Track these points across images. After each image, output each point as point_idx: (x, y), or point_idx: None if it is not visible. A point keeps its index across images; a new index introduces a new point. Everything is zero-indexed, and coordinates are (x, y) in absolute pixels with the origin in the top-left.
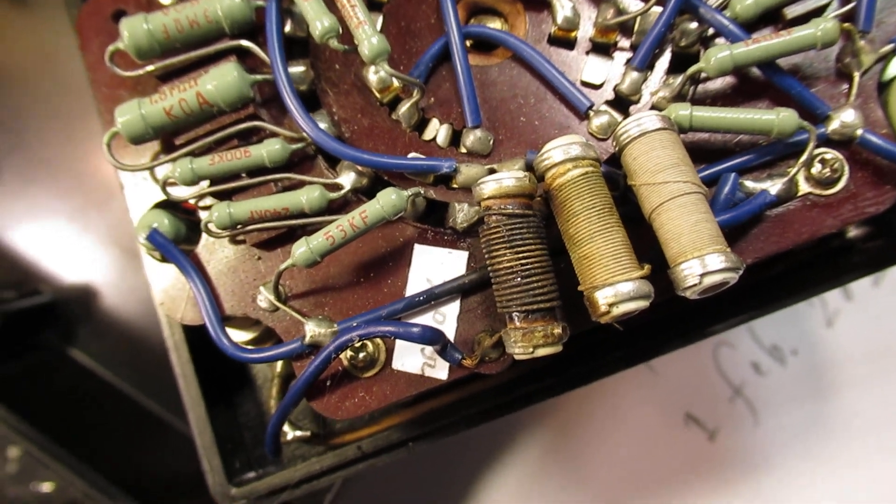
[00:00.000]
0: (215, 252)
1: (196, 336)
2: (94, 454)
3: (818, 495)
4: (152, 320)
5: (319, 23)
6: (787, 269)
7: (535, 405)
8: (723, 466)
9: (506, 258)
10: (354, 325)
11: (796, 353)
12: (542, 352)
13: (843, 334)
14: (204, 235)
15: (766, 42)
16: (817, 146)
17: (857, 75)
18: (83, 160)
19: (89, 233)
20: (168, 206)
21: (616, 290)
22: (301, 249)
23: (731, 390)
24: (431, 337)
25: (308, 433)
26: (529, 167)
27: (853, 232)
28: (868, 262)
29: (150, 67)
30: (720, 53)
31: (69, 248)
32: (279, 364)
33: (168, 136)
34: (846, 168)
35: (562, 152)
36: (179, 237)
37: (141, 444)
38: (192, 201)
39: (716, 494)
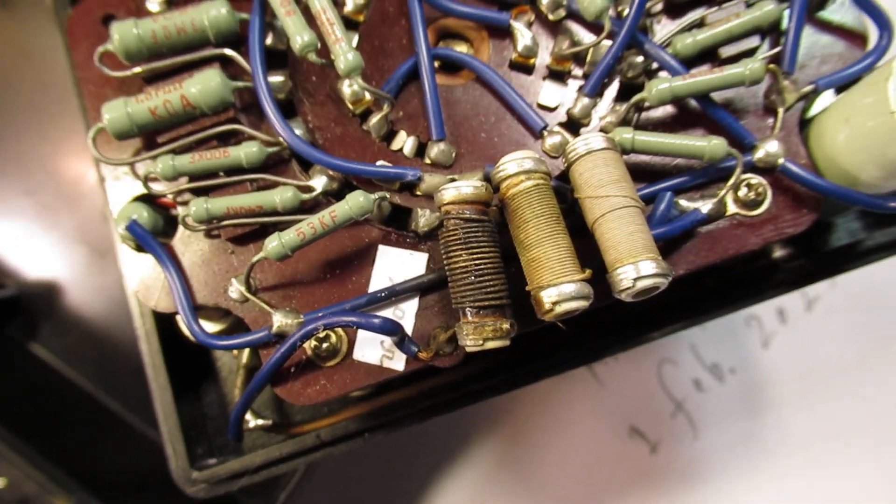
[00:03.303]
0: (190, 245)
1: (165, 328)
2: (54, 449)
3: None
4: (116, 318)
5: (300, 37)
6: (718, 284)
7: (487, 411)
8: (663, 478)
9: (462, 258)
10: (320, 315)
11: (734, 372)
12: (491, 344)
13: (777, 355)
14: (180, 229)
15: (701, 77)
16: (744, 172)
17: (781, 111)
18: (56, 158)
19: (57, 230)
20: (146, 199)
21: (559, 290)
22: (273, 243)
23: (673, 405)
24: (391, 328)
25: (269, 422)
26: (487, 179)
27: (778, 253)
28: (789, 280)
29: (138, 69)
30: (660, 85)
31: (36, 244)
32: (245, 356)
33: (150, 134)
34: (769, 193)
35: (516, 165)
36: (157, 229)
37: (100, 441)
38: (171, 196)
39: None
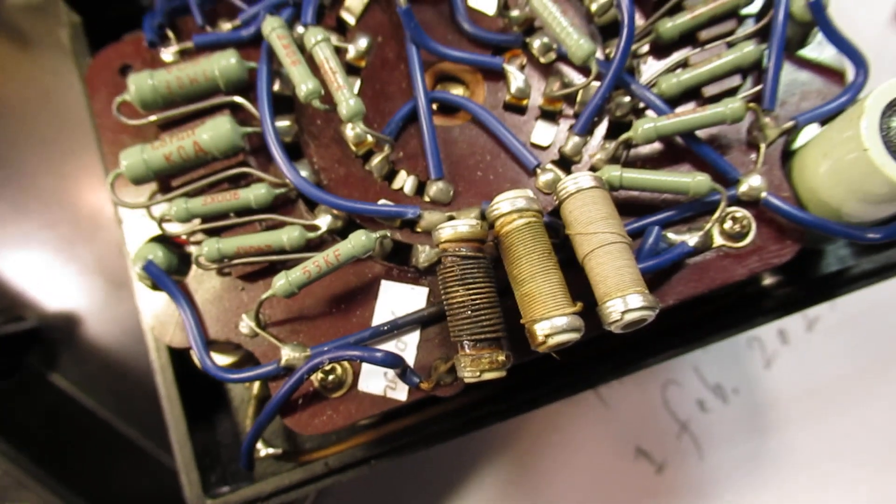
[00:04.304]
0: (203, 283)
1: (179, 361)
2: (72, 475)
3: None
4: (133, 348)
5: (304, 85)
6: (710, 312)
7: (495, 435)
8: (669, 498)
9: (458, 293)
10: (325, 349)
11: (738, 392)
12: (487, 376)
13: (779, 375)
14: (193, 267)
15: (684, 116)
16: (729, 205)
17: (763, 146)
18: (73, 193)
19: (76, 262)
20: (162, 240)
21: (552, 323)
22: (281, 282)
23: (678, 426)
24: (392, 361)
25: (280, 451)
26: (484, 216)
27: (768, 280)
28: (777, 307)
29: (153, 118)
30: (646, 125)
31: (55, 276)
32: (256, 387)
33: (165, 178)
34: (753, 225)
35: (509, 204)
36: (171, 269)
37: (117, 468)
38: (184, 237)
39: None
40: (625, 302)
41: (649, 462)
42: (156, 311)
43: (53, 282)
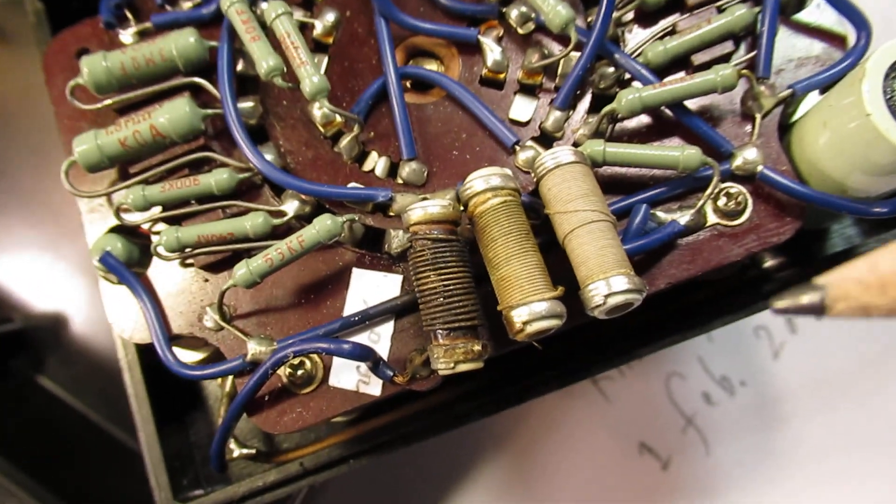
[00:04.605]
0: (165, 274)
1: (152, 358)
2: (61, 481)
3: None
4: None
5: (265, 62)
6: (709, 297)
7: (492, 433)
8: (676, 494)
9: (430, 279)
10: (291, 342)
11: (745, 384)
12: (463, 367)
13: (788, 366)
14: (155, 259)
15: (671, 86)
16: (723, 181)
17: (758, 117)
18: (56, 192)
19: (61, 262)
20: (123, 230)
21: (530, 309)
22: (241, 271)
23: (683, 420)
24: (361, 353)
25: (253, 450)
26: (458, 197)
27: (769, 262)
28: (779, 290)
29: (108, 101)
30: (630, 95)
31: (40, 277)
32: (228, 383)
33: (124, 165)
34: (749, 201)
35: (483, 182)
36: (132, 260)
37: (107, 472)
38: (144, 226)
39: None
40: (608, 284)
41: (654, 458)
42: (119, 306)
43: (38, 283)
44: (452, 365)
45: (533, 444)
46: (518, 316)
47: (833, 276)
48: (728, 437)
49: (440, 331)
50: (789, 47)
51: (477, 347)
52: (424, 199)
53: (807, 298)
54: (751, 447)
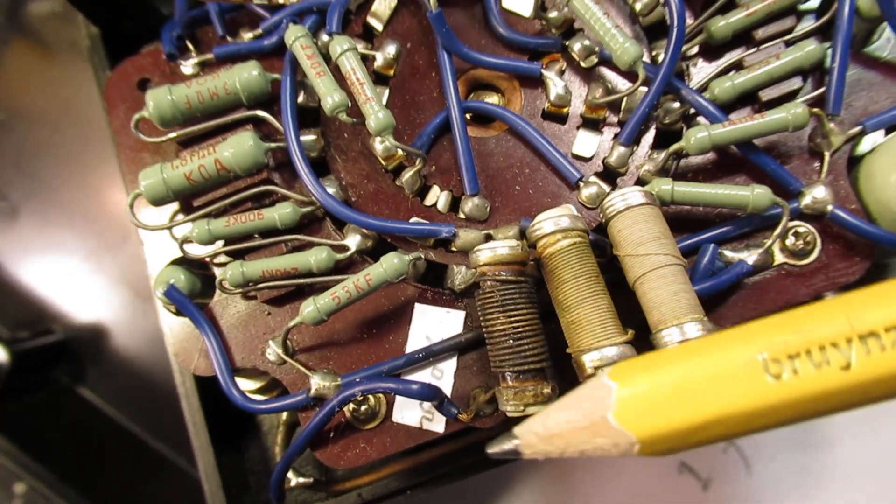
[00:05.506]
0: (228, 307)
1: (206, 381)
2: (99, 492)
3: None
4: (161, 361)
5: (330, 98)
6: None
7: None
8: None
9: (499, 321)
10: (357, 379)
11: None
12: (532, 410)
13: None
14: (218, 291)
15: (741, 124)
16: (792, 219)
17: (827, 154)
18: (98, 204)
19: (102, 274)
20: (184, 262)
21: (602, 353)
22: (309, 308)
23: None
24: (429, 394)
25: (311, 480)
26: (523, 233)
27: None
28: None
29: (173, 135)
30: (699, 134)
31: (82, 288)
32: (285, 412)
33: (186, 198)
34: (818, 241)
35: (552, 223)
36: (194, 292)
37: (146, 483)
38: (207, 260)
39: None
40: (682, 331)
41: (694, 478)
42: (179, 336)
43: (80, 294)
44: (522, 408)
45: (572, 465)
46: (590, 360)
47: (521, 429)
48: (769, 456)
49: (509, 373)
50: (857, 82)
51: (547, 390)
52: (489, 235)
53: (507, 446)
54: (792, 467)
